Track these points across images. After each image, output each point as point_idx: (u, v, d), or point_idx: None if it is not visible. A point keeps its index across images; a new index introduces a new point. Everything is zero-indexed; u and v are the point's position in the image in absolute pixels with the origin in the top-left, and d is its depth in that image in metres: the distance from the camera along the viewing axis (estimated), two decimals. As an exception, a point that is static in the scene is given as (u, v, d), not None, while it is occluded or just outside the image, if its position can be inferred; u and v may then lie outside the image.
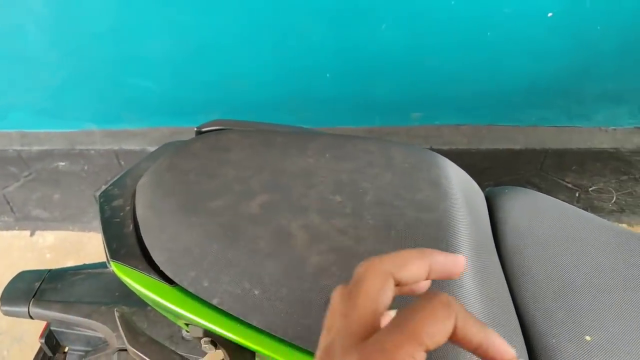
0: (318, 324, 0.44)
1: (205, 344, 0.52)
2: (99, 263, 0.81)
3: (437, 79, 1.30)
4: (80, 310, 0.71)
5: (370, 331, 0.24)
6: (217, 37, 1.26)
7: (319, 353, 0.25)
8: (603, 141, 1.36)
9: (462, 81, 1.29)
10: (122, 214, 0.59)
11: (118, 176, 0.66)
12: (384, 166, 0.60)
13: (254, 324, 0.46)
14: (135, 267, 0.52)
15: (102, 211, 0.60)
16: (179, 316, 0.50)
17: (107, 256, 0.54)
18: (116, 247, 0.54)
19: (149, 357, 0.51)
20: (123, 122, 1.51)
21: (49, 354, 0.79)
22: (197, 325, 0.49)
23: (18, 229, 1.72)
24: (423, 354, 0.22)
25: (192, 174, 0.59)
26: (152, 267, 0.52)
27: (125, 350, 0.68)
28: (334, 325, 0.25)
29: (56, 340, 0.79)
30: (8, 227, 1.73)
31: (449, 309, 0.23)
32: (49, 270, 0.79)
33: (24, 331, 1.38)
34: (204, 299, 0.48)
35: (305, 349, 0.45)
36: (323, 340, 0.26)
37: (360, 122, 1.43)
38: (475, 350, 0.24)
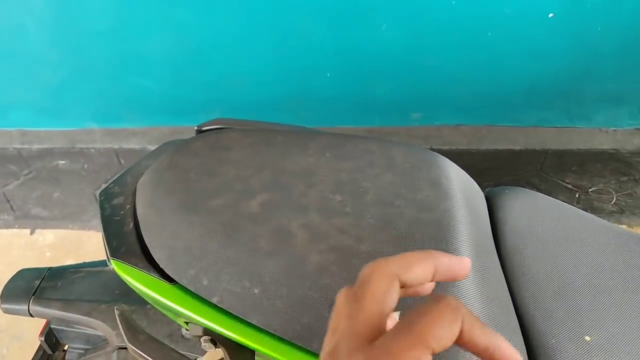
0: (317, 323, 0.44)
1: (204, 343, 0.52)
2: (98, 261, 0.81)
3: (437, 79, 1.30)
4: (80, 308, 0.71)
5: (376, 333, 0.24)
6: (217, 37, 1.26)
7: (323, 355, 0.25)
8: (603, 142, 1.36)
9: (463, 81, 1.30)
10: (122, 212, 0.59)
11: (118, 174, 0.66)
12: (385, 166, 0.60)
13: (254, 322, 0.46)
14: (135, 265, 0.52)
15: (102, 209, 0.60)
16: (178, 314, 0.50)
17: (107, 254, 0.54)
18: (116, 245, 0.54)
19: (148, 356, 0.51)
20: (123, 121, 1.51)
21: (49, 351, 0.79)
22: (196, 323, 0.49)
23: (18, 227, 1.72)
24: (429, 357, 0.22)
25: (192, 172, 0.59)
26: (152, 265, 0.52)
27: (125, 348, 0.68)
28: (339, 326, 0.25)
29: (56, 338, 0.79)
30: (8, 226, 1.73)
31: (455, 312, 0.23)
32: (49, 268, 0.79)
33: (23, 329, 1.38)
34: (203, 297, 0.48)
35: (305, 347, 0.45)
36: (328, 342, 0.26)
37: (360, 122, 1.43)
38: (481, 354, 0.24)
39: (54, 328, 0.78)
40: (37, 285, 0.75)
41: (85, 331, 0.77)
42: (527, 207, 0.64)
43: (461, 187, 0.59)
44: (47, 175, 1.60)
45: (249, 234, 0.50)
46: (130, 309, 0.69)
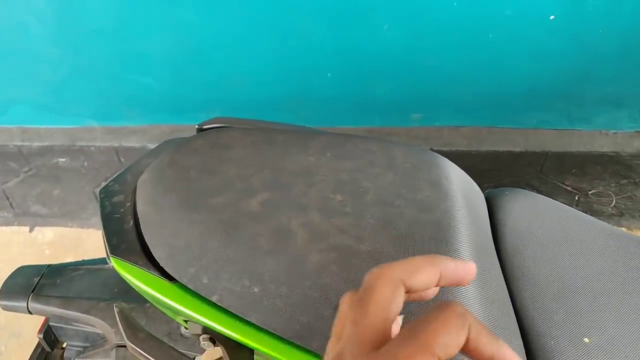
0: (317, 322, 0.44)
1: (204, 341, 0.52)
2: (98, 259, 0.81)
3: (437, 80, 1.30)
4: (79, 306, 0.71)
5: (382, 339, 0.23)
6: (218, 36, 1.26)
7: None
8: (603, 144, 1.36)
9: (463, 82, 1.30)
10: (122, 210, 0.59)
11: (119, 172, 0.66)
12: (385, 166, 0.60)
13: (253, 321, 0.46)
14: (135, 263, 0.52)
15: (102, 207, 0.60)
16: (178, 313, 0.50)
17: (107, 252, 0.54)
18: (116, 242, 0.54)
19: (147, 354, 0.51)
20: (123, 119, 1.51)
21: (47, 349, 0.78)
22: (196, 322, 0.49)
23: (17, 225, 1.72)
24: None
25: (193, 170, 0.59)
26: (152, 263, 0.52)
27: (124, 346, 0.68)
28: (344, 332, 0.25)
29: (54, 335, 0.79)
30: (7, 223, 1.72)
31: (462, 319, 0.22)
32: (48, 266, 0.79)
33: (22, 326, 1.38)
34: (203, 295, 0.48)
35: (304, 347, 0.45)
36: (332, 348, 0.26)
37: (360, 122, 1.43)
38: None
39: (53, 325, 0.78)
40: (36, 283, 0.75)
41: (84, 329, 0.77)
42: (527, 209, 0.64)
43: (461, 187, 0.59)
44: (47, 172, 1.60)
45: (249, 232, 0.50)
46: (129, 307, 0.68)
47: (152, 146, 1.42)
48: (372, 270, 0.26)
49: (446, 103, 1.36)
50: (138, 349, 0.51)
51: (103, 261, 0.79)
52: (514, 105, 1.34)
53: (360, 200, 0.54)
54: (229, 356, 0.50)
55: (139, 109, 1.48)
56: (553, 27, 1.15)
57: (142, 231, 0.55)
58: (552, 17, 1.13)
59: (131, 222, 0.57)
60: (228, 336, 0.47)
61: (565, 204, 0.67)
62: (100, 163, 1.55)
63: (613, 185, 1.43)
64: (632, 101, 1.31)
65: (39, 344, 0.80)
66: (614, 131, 1.38)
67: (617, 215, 1.51)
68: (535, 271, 0.56)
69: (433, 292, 0.30)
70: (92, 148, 1.50)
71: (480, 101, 1.34)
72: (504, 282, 0.54)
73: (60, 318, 0.76)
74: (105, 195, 0.62)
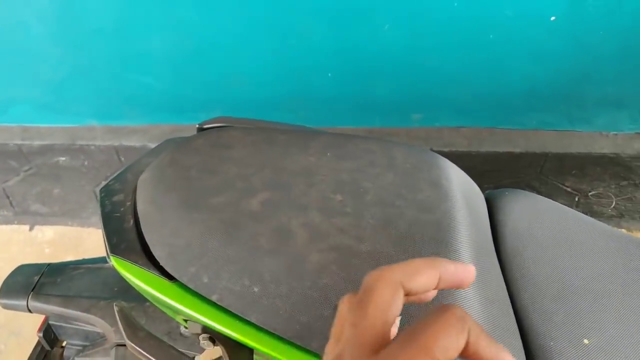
0: (317, 322, 0.44)
1: (203, 340, 0.52)
2: (98, 258, 0.81)
3: (438, 80, 1.30)
4: (79, 305, 0.71)
5: (381, 342, 0.23)
6: (218, 36, 1.26)
7: None
8: (603, 146, 1.36)
9: (463, 83, 1.30)
10: (122, 209, 0.59)
11: (119, 171, 0.66)
12: (385, 166, 0.60)
13: (253, 320, 0.46)
14: (135, 262, 0.52)
15: (102, 206, 0.60)
16: (178, 312, 0.50)
17: (107, 251, 0.54)
18: (116, 241, 0.54)
19: (147, 353, 0.51)
20: (124, 118, 1.51)
21: (47, 348, 0.78)
22: (195, 321, 0.49)
23: (17, 224, 1.72)
24: None
25: (193, 170, 0.59)
26: (152, 263, 0.52)
27: (123, 345, 0.68)
28: (343, 335, 0.25)
29: (54, 334, 0.79)
30: (7, 222, 1.72)
31: (462, 323, 0.22)
32: (49, 264, 0.79)
33: (22, 325, 1.38)
34: (203, 295, 0.48)
35: (304, 346, 0.45)
36: (331, 349, 0.26)
37: (360, 122, 1.43)
38: None
39: (53, 324, 0.78)
40: (36, 281, 0.75)
41: (84, 328, 0.77)
42: (527, 210, 0.64)
43: (461, 188, 0.59)
44: (47, 171, 1.60)
45: (249, 232, 0.50)
46: (129, 306, 0.69)
47: (152, 145, 1.42)
48: (372, 273, 0.26)
49: (446, 103, 1.36)
50: (138, 348, 0.51)
51: (103, 260, 0.79)
52: (514, 106, 1.34)
53: (361, 201, 0.54)
54: (229, 356, 0.50)
55: (140, 108, 1.49)
56: (553, 28, 1.15)
57: (143, 230, 0.55)
58: (552, 17, 1.13)
59: (131, 221, 0.57)
60: (228, 335, 0.47)
61: (565, 205, 0.67)
62: (100, 162, 1.55)
63: (613, 186, 1.43)
64: (633, 102, 1.31)
65: (38, 343, 0.80)
66: (614, 132, 1.38)
67: (617, 217, 1.51)
68: (535, 272, 0.56)
69: (432, 294, 0.30)
70: (93, 147, 1.50)
71: (481, 102, 1.34)
72: (503, 283, 0.54)
73: (60, 317, 0.76)
74: (106, 194, 0.62)
